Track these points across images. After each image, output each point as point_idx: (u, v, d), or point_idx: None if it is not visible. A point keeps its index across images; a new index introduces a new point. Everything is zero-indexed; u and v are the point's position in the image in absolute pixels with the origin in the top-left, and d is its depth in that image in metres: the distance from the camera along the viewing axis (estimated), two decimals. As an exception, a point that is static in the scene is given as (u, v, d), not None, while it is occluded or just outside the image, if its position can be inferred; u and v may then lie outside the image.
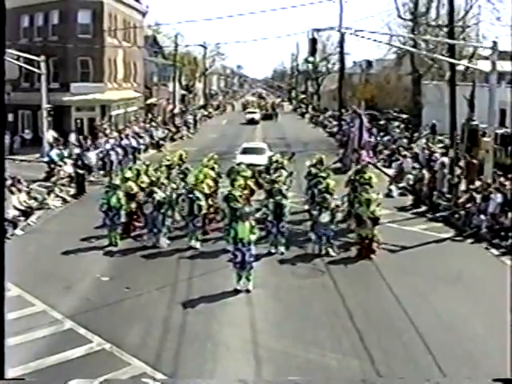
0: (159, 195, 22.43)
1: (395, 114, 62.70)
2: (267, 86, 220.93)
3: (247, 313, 16.55)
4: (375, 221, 21.33)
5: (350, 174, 26.94)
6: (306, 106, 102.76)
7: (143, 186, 24.26)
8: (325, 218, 21.44)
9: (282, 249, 21.62)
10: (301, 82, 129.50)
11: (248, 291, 17.99)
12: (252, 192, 25.65)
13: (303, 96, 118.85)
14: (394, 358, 13.76)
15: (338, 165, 38.82)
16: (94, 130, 48.24)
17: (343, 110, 61.63)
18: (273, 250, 21.50)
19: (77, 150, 36.98)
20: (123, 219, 22.95)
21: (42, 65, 43.34)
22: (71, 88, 50.17)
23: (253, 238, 18.14)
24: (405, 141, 46.61)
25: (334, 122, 66.30)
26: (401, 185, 32.48)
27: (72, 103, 50.67)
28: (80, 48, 49.37)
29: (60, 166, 34.42)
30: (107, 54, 53.05)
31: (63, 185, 30.87)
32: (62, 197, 29.56)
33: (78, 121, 51.32)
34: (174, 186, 24.89)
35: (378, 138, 49.57)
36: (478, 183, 27.55)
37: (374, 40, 33.35)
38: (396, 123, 57.88)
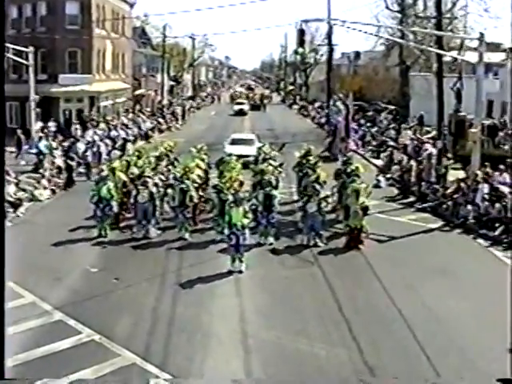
0: (152, 186, 22.43)
1: (383, 105, 62.89)
2: (256, 78, 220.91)
3: (236, 303, 16.60)
4: (364, 211, 21.45)
5: (338, 166, 27.11)
6: (295, 97, 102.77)
7: (132, 177, 24.26)
8: (312, 207, 21.54)
9: (271, 239, 21.71)
10: (289, 73, 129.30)
11: (240, 272, 18.49)
12: (241, 184, 25.61)
13: (292, 87, 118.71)
14: (382, 349, 13.86)
15: (326, 154, 39.10)
16: (85, 121, 47.96)
17: (331, 102, 61.61)
18: (262, 241, 21.58)
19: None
20: (115, 210, 22.89)
21: (30, 56, 42.97)
22: (59, 79, 49.94)
23: (246, 222, 18.78)
24: (393, 132, 46.75)
25: (322, 113, 66.33)
26: (389, 175, 32.63)
27: (60, 94, 50.44)
28: (68, 39, 49.20)
29: (53, 156, 34.18)
30: (95, 45, 52.80)
31: (52, 176, 30.76)
32: (50, 188, 29.49)
33: (67, 112, 51.13)
34: (163, 177, 24.91)
35: (366, 129, 49.70)
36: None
37: (360, 30, 33.42)
38: (384, 114, 58.00)
